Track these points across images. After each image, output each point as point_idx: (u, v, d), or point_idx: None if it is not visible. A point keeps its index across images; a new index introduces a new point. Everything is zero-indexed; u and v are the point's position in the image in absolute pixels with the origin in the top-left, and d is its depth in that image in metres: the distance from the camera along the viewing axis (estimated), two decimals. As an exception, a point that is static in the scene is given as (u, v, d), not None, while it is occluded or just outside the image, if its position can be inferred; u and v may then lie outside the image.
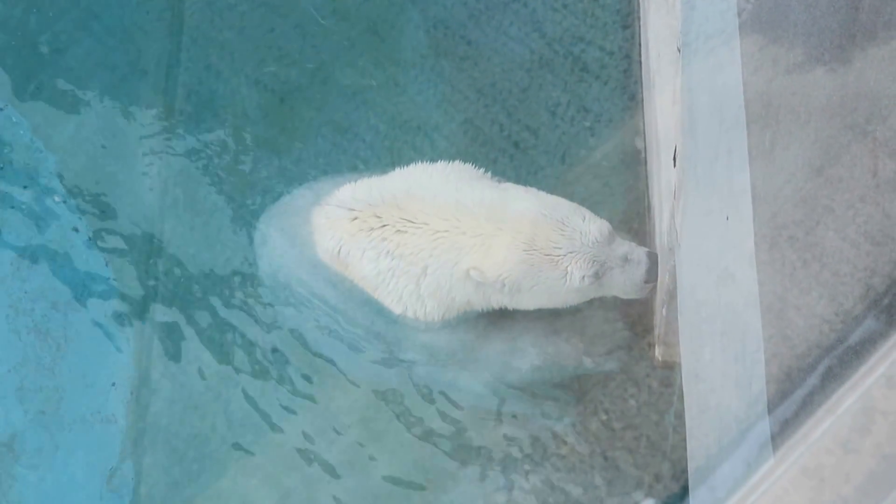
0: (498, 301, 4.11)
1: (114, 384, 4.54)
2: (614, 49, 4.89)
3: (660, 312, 4.16)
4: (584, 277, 3.94)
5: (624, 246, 4.00)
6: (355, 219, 4.15)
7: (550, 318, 4.37)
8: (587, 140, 4.77)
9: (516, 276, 3.98)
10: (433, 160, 4.33)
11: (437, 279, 4.09)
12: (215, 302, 4.61)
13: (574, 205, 4.03)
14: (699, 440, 3.63)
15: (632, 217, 4.52)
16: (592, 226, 3.96)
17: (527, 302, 4.08)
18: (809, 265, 2.93)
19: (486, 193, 4.03)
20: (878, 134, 2.82)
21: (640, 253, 4.00)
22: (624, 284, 4.03)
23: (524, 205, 3.98)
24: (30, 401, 4.54)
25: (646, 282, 4.01)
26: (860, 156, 2.85)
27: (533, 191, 4.09)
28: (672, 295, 3.94)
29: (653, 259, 4.01)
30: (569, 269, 3.94)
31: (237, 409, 4.48)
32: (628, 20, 4.92)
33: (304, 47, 5.04)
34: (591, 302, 4.26)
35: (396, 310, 4.21)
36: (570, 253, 3.93)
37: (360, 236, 4.14)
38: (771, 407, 2.98)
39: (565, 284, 3.98)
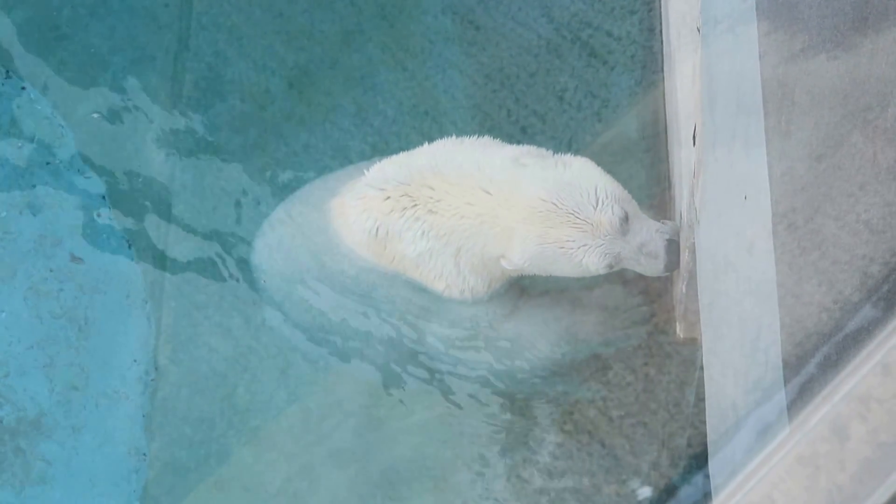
0: (532, 272, 4.10)
1: (135, 360, 4.56)
2: (622, 34, 4.87)
3: (680, 290, 4.15)
4: (597, 269, 3.92)
5: (640, 235, 3.90)
6: (388, 198, 4.10)
7: (566, 295, 4.38)
8: (594, 125, 4.76)
9: (536, 263, 3.99)
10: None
11: (471, 258, 4.08)
12: (223, 288, 4.63)
13: (589, 184, 3.93)
14: (713, 424, 3.64)
15: (638, 202, 4.50)
16: (603, 216, 3.87)
17: (557, 274, 4.06)
18: (808, 253, 2.92)
19: (502, 172, 3.98)
20: (880, 122, 2.80)
21: (656, 245, 3.90)
22: (642, 271, 3.99)
23: (535, 191, 3.92)
24: (56, 379, 4.57)
25: (663, 273, 3.97)
26: (861, 143, 2.84)
27: (550, 165, 4.00)
28: (692, 273, 3.93)
29: (671, 250, 3.91)
30: (583, 260, 3.90)
31: (243, 393, 4.51)
32: (636, 5, 4.90)
33: (313, 32, 5.04)
34: (610, 277, 4.26)
35: (439, 288, 4.20)
36: (583, 246, 3.89)
37: (393, 216, 4.10)
38: (770, 393, 2.98)
39: (582, 272, 3.97)
